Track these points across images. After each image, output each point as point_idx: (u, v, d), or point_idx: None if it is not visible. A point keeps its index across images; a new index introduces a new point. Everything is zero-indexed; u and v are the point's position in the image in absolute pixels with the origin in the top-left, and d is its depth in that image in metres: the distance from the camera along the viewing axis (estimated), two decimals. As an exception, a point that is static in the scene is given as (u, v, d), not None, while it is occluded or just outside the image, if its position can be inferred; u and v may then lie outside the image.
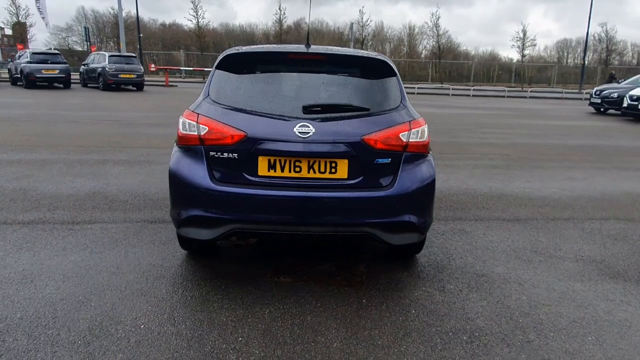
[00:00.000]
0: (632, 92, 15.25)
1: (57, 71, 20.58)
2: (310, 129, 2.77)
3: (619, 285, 3.26)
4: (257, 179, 2.82)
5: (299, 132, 2.76)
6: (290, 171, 2.81)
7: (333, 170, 2.82)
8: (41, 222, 4.07)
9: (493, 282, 3.24)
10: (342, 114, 2.90)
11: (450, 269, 3.42)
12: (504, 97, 26.11)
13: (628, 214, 4.94)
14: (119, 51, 27.59)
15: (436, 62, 48.80)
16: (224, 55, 3.12)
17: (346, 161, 2.82)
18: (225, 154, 2.82)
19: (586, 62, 39.34)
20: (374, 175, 2.87)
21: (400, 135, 2.88)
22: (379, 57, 3.20)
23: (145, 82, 22.51)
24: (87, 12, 52.98)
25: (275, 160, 2.80)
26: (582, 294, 3.11)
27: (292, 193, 2.78)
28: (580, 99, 25.58)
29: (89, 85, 22.46)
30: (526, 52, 53.15)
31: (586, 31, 24.90)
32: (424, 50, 60.97)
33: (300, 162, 2.80)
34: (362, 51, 3.43)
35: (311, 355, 2.35)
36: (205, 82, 3.21)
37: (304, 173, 2.82)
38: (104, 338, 2.43)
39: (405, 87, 3.23)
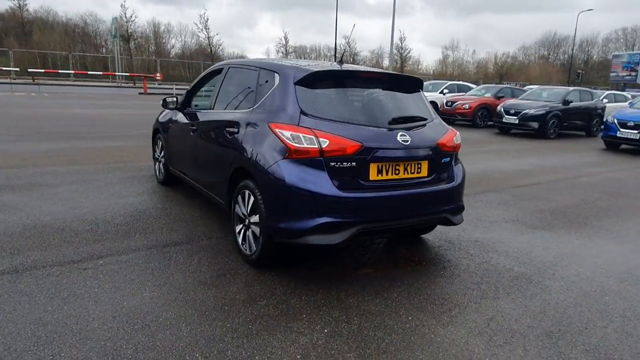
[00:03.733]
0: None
1: None
2: (408, 137, 3.32)
3: (544, 233, 4.84)
4: (369, 184, 3.21)
5: (402, 140, 3.28)
6: (392, 174, 3.30)
7: (419, 170, 3.44)
8: (28, 269, 3.27)
9: (487, 244, 4.38)
10: (417, 124, 3.53)
11: (456, 240, 4.42)
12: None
13: (490, 187, 6.88)
14: None
15: (196, 63, 48.93)
16: (308, 73, 3.31)
17: (427, 162, 3.47)
18: (345, 164, 3.11)
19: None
20: (440, 172, 3.61)
21: (454, 138, 3.69)
22: (415, 76, 3.91)
23: None
24: None
25: (382, 166, 3.25)
26: (535, 241, 4.54)
27: (397, 192, 3.30)
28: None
29: None
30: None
31: (390, 42, 28.38)
32: (172, 49, 60.98)
33: (399, 165, 3.32)
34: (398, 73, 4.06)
35: (464, 316, 3.00)
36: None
37: (401, 174, 3.35)
38: (299, 354, 2.51)
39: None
